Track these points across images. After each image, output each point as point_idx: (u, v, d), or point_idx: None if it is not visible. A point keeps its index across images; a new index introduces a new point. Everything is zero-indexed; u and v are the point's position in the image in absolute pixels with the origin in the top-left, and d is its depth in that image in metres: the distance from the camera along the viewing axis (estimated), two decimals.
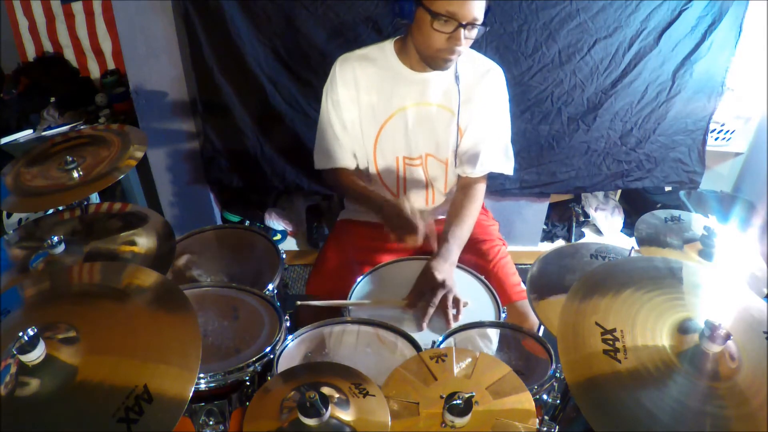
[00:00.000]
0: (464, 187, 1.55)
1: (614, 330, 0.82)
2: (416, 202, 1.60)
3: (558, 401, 1.10)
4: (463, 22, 1.24)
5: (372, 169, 1.58)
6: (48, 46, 2.62)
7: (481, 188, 1.56)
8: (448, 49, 1.29)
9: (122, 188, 2.26)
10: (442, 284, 1.27)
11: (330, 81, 1.49)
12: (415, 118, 1.47)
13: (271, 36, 2.01)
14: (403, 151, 1.52)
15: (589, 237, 2.72)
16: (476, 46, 1.59)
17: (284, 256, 1.47)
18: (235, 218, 2.60)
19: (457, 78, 1.44)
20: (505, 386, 0.96)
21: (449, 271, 1.33)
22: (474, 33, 1.29)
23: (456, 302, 1.26)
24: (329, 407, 0.84)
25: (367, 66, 1.46)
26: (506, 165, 1.58)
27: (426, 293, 1.27)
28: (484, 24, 1.29)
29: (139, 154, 1.37)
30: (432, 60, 1.35)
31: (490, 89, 1.49)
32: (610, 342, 0.80)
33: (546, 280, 1.24)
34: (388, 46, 1.46)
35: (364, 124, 1.51)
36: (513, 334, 1.24)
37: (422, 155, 1.53)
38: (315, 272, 1.57)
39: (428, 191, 1.60)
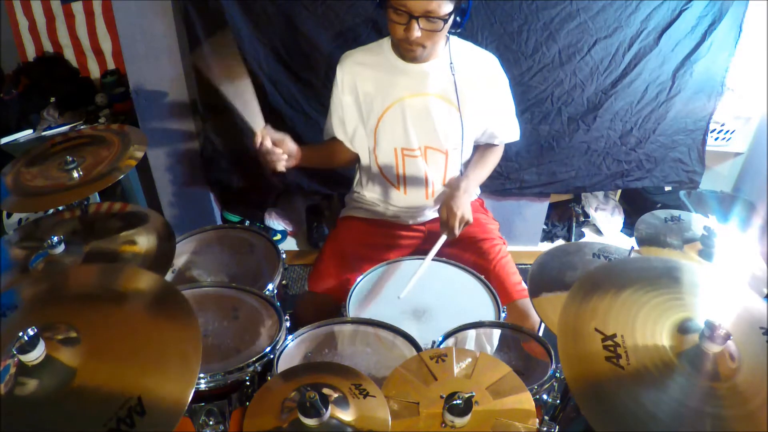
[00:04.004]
0: (484, 147, 1.66)
1: (614, 336, 0.82)
2: (416, 195, 1.61)
3: (558, 401, 1.10)
4: (415, 15, 1.27)
5: (373, 162, 1.60)
6: (48, 46, 2.62)
7: (501, 148, 1.68)
8: (406, 40, 1.33)
9: (122, 188, 2.26)
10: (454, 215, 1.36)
11: (336, 74, 1.54)
12: (412, 109, 1.49)
13: (271, 36, 2.00)
14: (402, 142, 1.53)
15: (589, 237, 2.72)
16: (476, 45, 1.60)
17: (284, 256, 1.47)
18: (235, 218, 2.60)
19: (452, 68, 1.45)
20: (505, 386, 0.96)
21: (465, 199, 1.41)
22: (436, 26, 1.30)
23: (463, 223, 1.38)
24: (329, 407, 0.84)
25: (368, 59, 1.50)
26: (516, 134, 1.67)
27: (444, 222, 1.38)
28: (457, 15, 1.32)
29: (139, 154, 1.38)
30: (400, 50, 1.43)
31: (491, 78, 1.52)
32: (611, 348, 0.80)
33: (547, 276, 1.24)
34: (385, 42, 1.49)
35: (364, 116, 1.53)
36: (513, 334, 1.24)
37: (421, 147, 1.54)
38: (316, 268, 1.58)
39: (428, 184, 1.60)
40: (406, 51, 1.39)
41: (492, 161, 1.64)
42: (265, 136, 1.35)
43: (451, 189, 1.43)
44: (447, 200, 1.39)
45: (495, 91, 1.53)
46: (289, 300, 1.56)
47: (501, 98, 1.56)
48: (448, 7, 1.28)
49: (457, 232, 1.37)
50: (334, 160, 1.65)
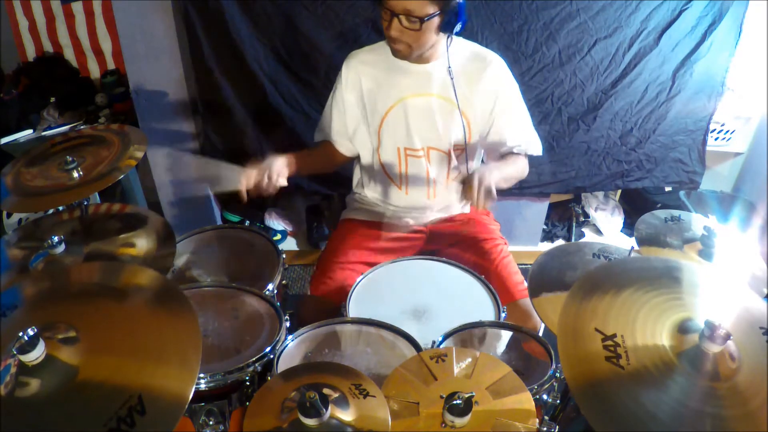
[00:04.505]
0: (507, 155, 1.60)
1: (614, 336, 0.82)
2: (418, 195, 1.61)
3: (558, 401, 1.10)
4: (395, 13, 1.30)
5: (376, 161, 1.60)
6: (48, 46, 2.62)
7: (523, 161, 1.59)
8: (390, 38, 1.37)
9: (122, 188, 2.26)
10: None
11: (339, 74, 1.55)
12: (415, 108, 1.50)
13: (271, 36, 2.01)
14: (405, 142, 1.54)
15: (589, 237, 2.72)
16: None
17: (284, 256, 1.47)
18: (235, 218, 2.60)
19: (449, 71, 1.45)
20: (505, 386, 0.96)
21: (490, 174, 1.33)
22: (415, 25, 1.31)
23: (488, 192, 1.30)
24: (329, 407, 0.84)
25: (372, 59, 1.52)
26: (536, 146, 1.61)
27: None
28: (449, 17, 1.32)
29: (139, 154, 1.37)
30: (390, 47, 1.43)
31: (493, 79, 1.49)
32: (611, 348, 0.80)
33: (547, 276, 1.24)
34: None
35: (368, 115, 1.54)
36: (513, 334, 1.24)
37: (424, 147, 1.54)
38: (317, 272, 1.58)
39: (429, 184, 1.60)
40: (394, 50, 1.42)
41: (515, 164, 1.55)
42: (246, 186, 1.40)
43: (479, 167, 1.39)
44: (474, 172, 1.33)
45: (498, 91, 1.50)
46: (289, 300, 1.56)
47: (506, 99, 1.52)
48: (429, 8, 1.29)
49: (477, 197, 1.29)
50: (327, 164, 1.69)
